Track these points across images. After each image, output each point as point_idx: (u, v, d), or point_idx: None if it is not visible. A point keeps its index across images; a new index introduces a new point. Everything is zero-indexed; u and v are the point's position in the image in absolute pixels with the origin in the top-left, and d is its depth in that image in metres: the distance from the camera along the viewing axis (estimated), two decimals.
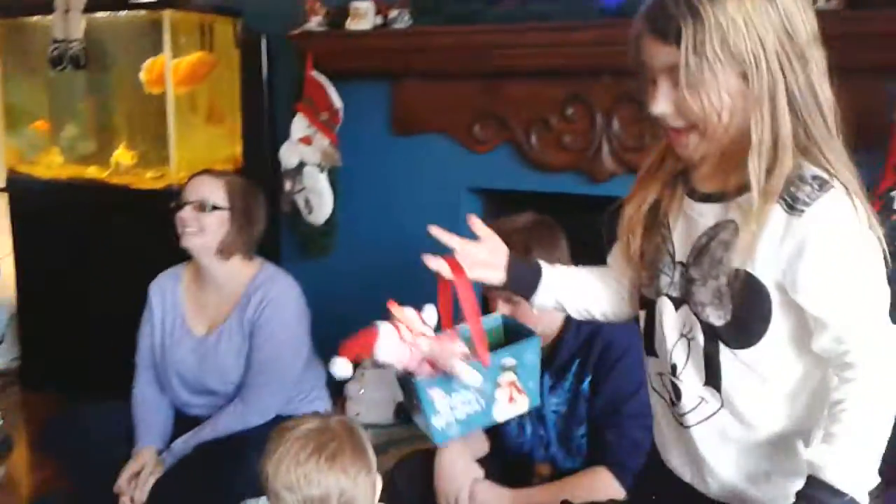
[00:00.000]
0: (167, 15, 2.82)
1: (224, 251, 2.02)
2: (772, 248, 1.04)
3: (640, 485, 1.43)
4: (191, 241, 2.01)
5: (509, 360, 1.14)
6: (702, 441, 1.16)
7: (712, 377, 1.13)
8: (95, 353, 2.86)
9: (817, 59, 1.05)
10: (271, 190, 2.71)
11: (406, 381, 1.14)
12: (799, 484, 1.04)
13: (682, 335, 1.15)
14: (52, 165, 3.18)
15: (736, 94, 1.03)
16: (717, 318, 1.09)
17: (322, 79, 2.78)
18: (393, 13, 2.68)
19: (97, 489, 1.95)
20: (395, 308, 1.11)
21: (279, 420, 2.01)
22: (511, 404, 1.15)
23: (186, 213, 2.00)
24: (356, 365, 1.13)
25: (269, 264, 2.12)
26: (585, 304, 1.30)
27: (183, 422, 2.08)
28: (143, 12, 2.88)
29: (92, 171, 3.07)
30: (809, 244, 1.02)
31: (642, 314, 1.22)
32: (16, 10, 3.12)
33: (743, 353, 1.10)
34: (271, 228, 2.25)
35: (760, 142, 1.03)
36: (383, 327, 1.10)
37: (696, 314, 1.12)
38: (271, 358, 1.98)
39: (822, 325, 1.05)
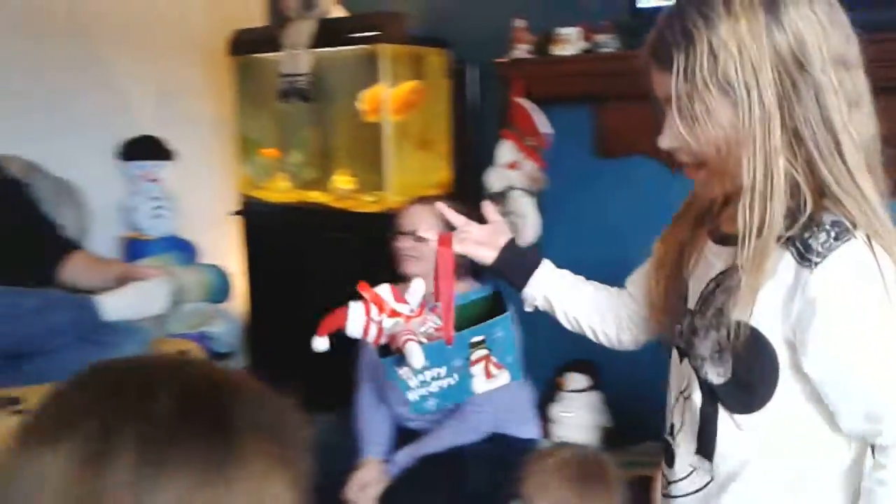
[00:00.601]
0: (383, 48, 3.00)
1: None
2: (779, 301, 0.91)
3: None
4: (410, 268, 2.14)
5: (477, 337, 1.15)
6: None
7: (705, 445, 1.00)
8: (319, 367, 3.05)
9: (841, 88, 0.91)
10: (480, 214, 2.80)
11: (381, 358, 1.19)
12: None
13: (680, 392, 1.04)
14: (280, 190, 3.45)
15: (731, 127, 0.92)
16: (715, 376, 0.97)
17: (528, 104, 2.84)
18: (599, 37, 2.71)
19: (324, 499, 2.11)
20: (364, 289, 1.17)
21: (495, 438, 2.09)
22: (489, 379, 1.17)
23: (404, 244, 2.14)
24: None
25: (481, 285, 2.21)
26: (577, 314, 1.22)
27: (401, 434, 2.20)
28: (361, 46, 3.07)
29: (315, 196, 3.30)
30: (822, 305, 0.88)
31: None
32: (248, 48, 3.43)
33: (743, 420, 0.96)
34: None
35: (753, 182, 0.91)
36: (353, 306, 1.16)
37: (695, 369, 1.00)
38: None
39: (840, 402, 0.91)
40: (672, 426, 1.06)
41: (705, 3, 0.93)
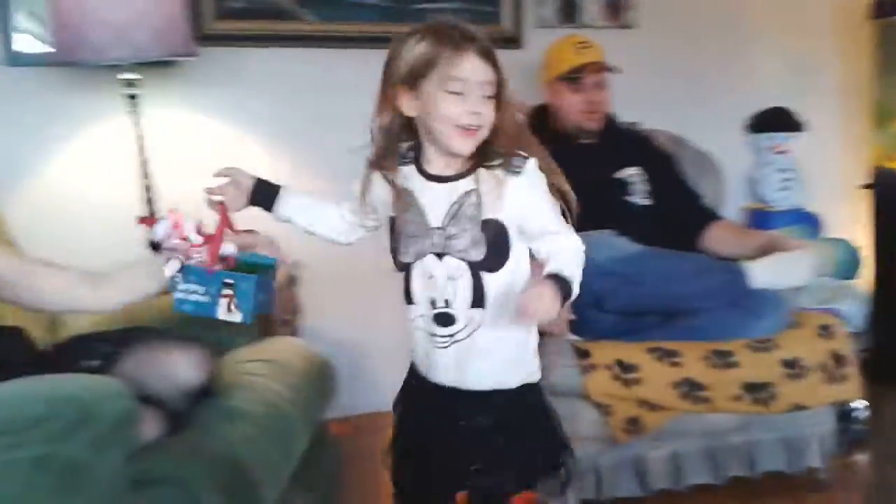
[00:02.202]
0: None
1: None
2: (511, 198, 1.43)
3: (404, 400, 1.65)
4: None
5: (228, 279, 1.51)
6: (468, 349, 1.49)
7: (478, 300, 1.46)
8: None
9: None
10: None
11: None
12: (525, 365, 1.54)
13: (449, 278, 1.46)
14: None
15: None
16: (477, 256, 1.44)
17: None
18: None
19: None
20: (174, 213, 1.51)
21: None
22: (229, 313, 1.52)
23: None
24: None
25: None
26: (309, 223, 1.61)
27: None
28: None
29: None
30: (530, 190, 1.44)
31: (402, 275, 1.52)
32: (892, 10, 3.20)
33: (497, 275, 1.46)
34: None
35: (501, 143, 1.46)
36: (170, 215, 1.52)
37: (461, 258, 1.45)
38: None
39: (543, 233, 1.46)
40: (447, 301, 1.48)
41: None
